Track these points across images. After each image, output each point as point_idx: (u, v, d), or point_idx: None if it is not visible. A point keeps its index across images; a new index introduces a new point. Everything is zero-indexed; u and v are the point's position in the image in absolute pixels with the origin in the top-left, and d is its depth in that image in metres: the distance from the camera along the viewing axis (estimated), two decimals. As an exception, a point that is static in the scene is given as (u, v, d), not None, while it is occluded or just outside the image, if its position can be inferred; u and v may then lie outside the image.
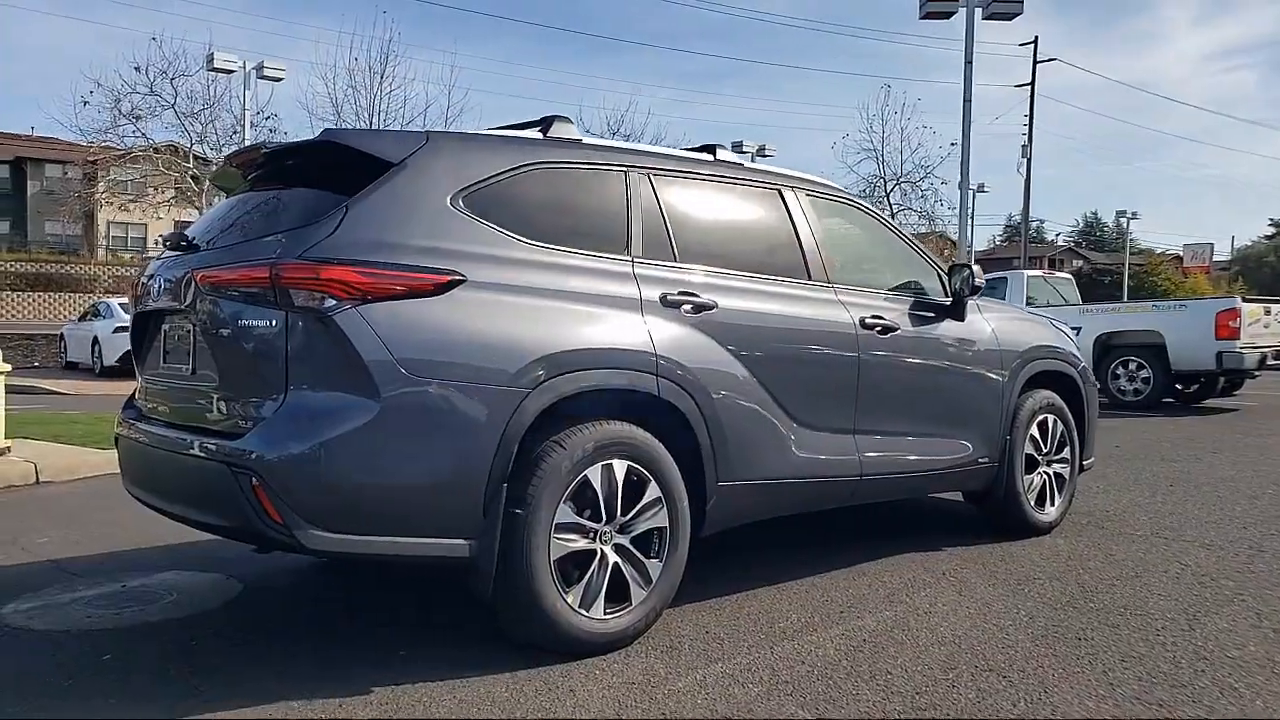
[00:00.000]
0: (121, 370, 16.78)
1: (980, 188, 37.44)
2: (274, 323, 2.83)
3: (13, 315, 38.51)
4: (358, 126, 28.37)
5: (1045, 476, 5.04)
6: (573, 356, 3.14)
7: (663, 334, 3.39)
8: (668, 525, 3.37)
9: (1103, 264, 55.05)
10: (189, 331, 3.21)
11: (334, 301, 2.79)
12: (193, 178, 27.33)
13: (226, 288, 2.95)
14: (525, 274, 3.15)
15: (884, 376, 4.19)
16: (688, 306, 3.52)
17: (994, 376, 4.72)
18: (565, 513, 3.12)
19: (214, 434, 2.99)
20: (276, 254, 2.85)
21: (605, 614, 3.19)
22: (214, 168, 28.09)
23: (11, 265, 40.52)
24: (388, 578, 4.18)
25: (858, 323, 4.10)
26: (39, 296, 40.11)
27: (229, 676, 3.05)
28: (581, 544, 3.17)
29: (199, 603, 3.85)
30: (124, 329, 17.02)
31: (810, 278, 4.07)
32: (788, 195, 4.16)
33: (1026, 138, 34.72)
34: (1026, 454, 4.90)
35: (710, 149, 4.07)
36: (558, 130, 3.54)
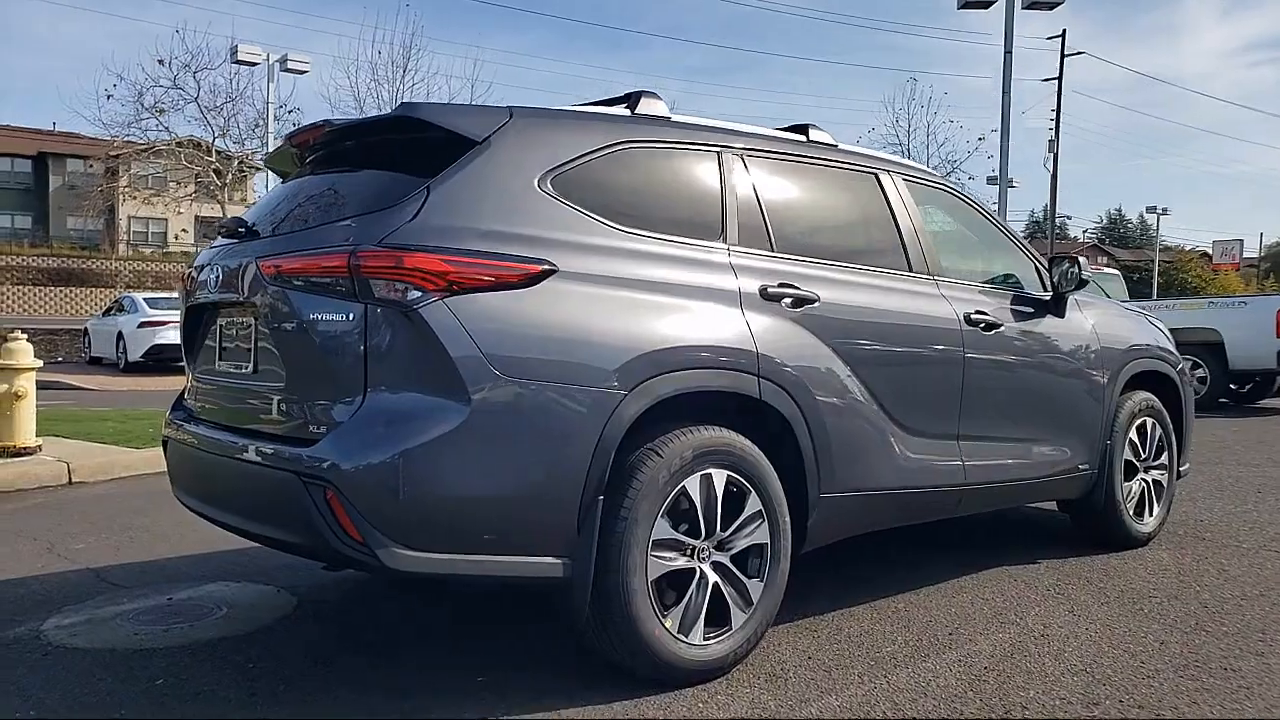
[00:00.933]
0: (146, 366, 16.63)
1: (1011, 183, 36.88)
2: (350, 316, 2.54)
3: (35, 310, 38.59)
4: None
5: (1144, 484, 4.70)
6: (671, 355, 2.84)
7: (764, 330, 3.09)
8: (768, 541, 3.07)
9: (1128, 260, 54.36)
10: (250, 326, 2.92)
11: (418, 293, 2.50)
12: (215, 172, 27.20)
13: (295, 278, 2.66)
14: (617, 263, 2.85)
15: (988, 377, 3.86)
16: (788, 300, 3.21)
17: (1095, 377, 4.38)
18: (663, 528, 2.82)
19: (280, 440, 2.70)
20: (354, 240, 2.55)
21: (705, 639, 2.90)
22: (236, 162, 28.12)
23: (33, 260, 40.61)
24: (454, 594, 3.89)
25: (962, 319, 3.78)
26: (61, 291, 40.19)
27: (293, 706, 2.77)
28: (680, 562, 2.87)
29: (252, 619, 3.57)
30: (149, 324, 16.91)
31: (911, 269, 3.75)
32: (884, 179, 3.84)
33: (1053, 132, 34.21)
34: (1125, 460, 4.57)
35: (803, 129, 3.75)
36: (646, 106, 3.23)
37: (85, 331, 19.78)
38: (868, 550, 4.44)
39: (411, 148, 2.86)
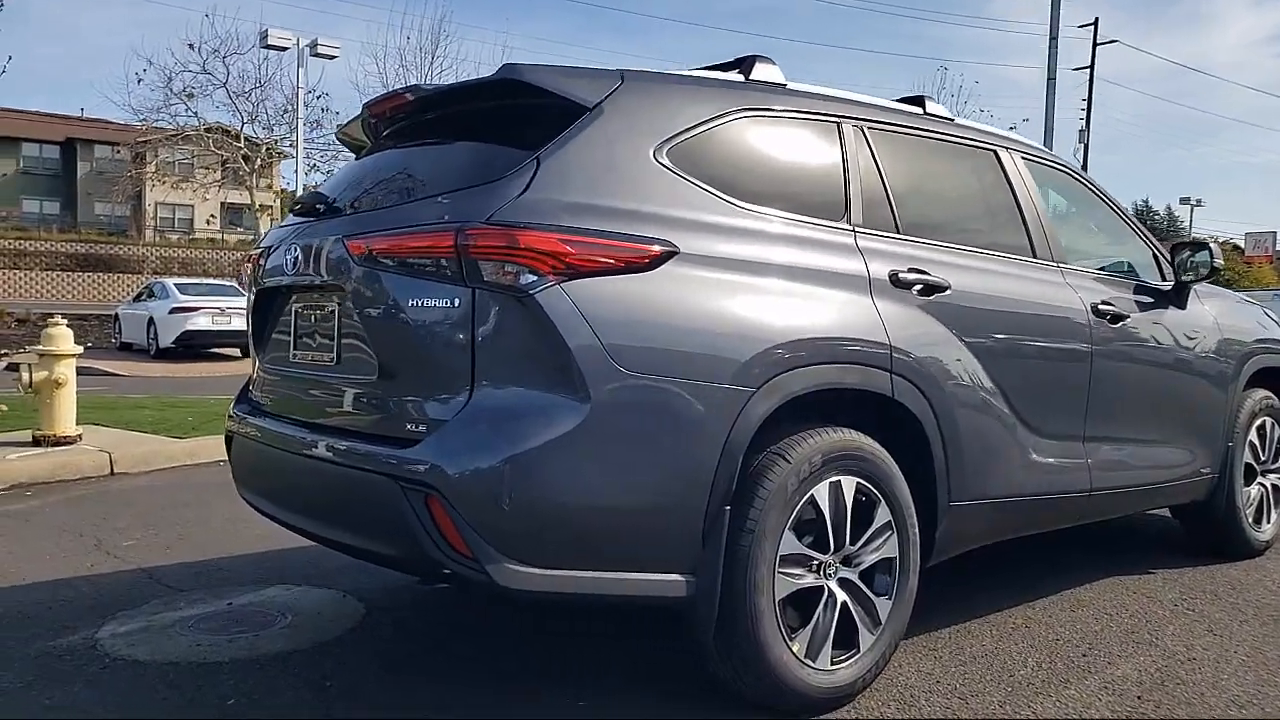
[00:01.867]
0: (177, 352, 16.50)
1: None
2: (456, 302, 2.26)
3: (63, 296, 38.71)
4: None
5: (1262, 489, 4.37)
6: (802, 348, 2.54)
7: (895, 320, 2.78)
8: (898, 555, 2.77)
9: (1161, 252, 53.29)
10: (332, 312, 2.65)
11: (534, 277, 2.21)
12: (244, 158, 27.09)
13: (389, 258, 2.37)
14: (739, 244, 2.55)
15: (1114, 373, 3.54)
16: (919, 287, 2.90)
17: (1218, 374, 4.05)
18: (790, 542, 2.53)
19: (371, 439, 2.42)
20: (457, 217, 2.27)
21: (833, 663, 2.61)
22: (264, 149, 28.00)
23: (62, 245, 40.74)
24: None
25: (1089, 309, 3.45)
26: (88, 277, 40.29)
27: (382, 734, 2.51)
28: (808, 580, 2.58)
29: (320, 629, 3.31)
30: (180, 310, 16.76)
31: (1035, 255, 3.43)
32: (1004, 157, 3.51)
33: (1084, 122, 33.51)
34: (1245, 463, 4.23)
35: (919, 100, 3.43)
36: (760, 72, 2.92)
37: (116, 317, 19.67)
38: (965, 555, 4.13)
39: (514, 115, 2.57)
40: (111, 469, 6.16)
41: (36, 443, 6.41)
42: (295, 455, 2.68)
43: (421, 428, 2.30)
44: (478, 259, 2.21)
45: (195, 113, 26.74)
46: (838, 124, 2.98)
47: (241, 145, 27.24)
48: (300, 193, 24.60)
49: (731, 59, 3.02)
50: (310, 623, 3.37)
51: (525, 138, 2.45)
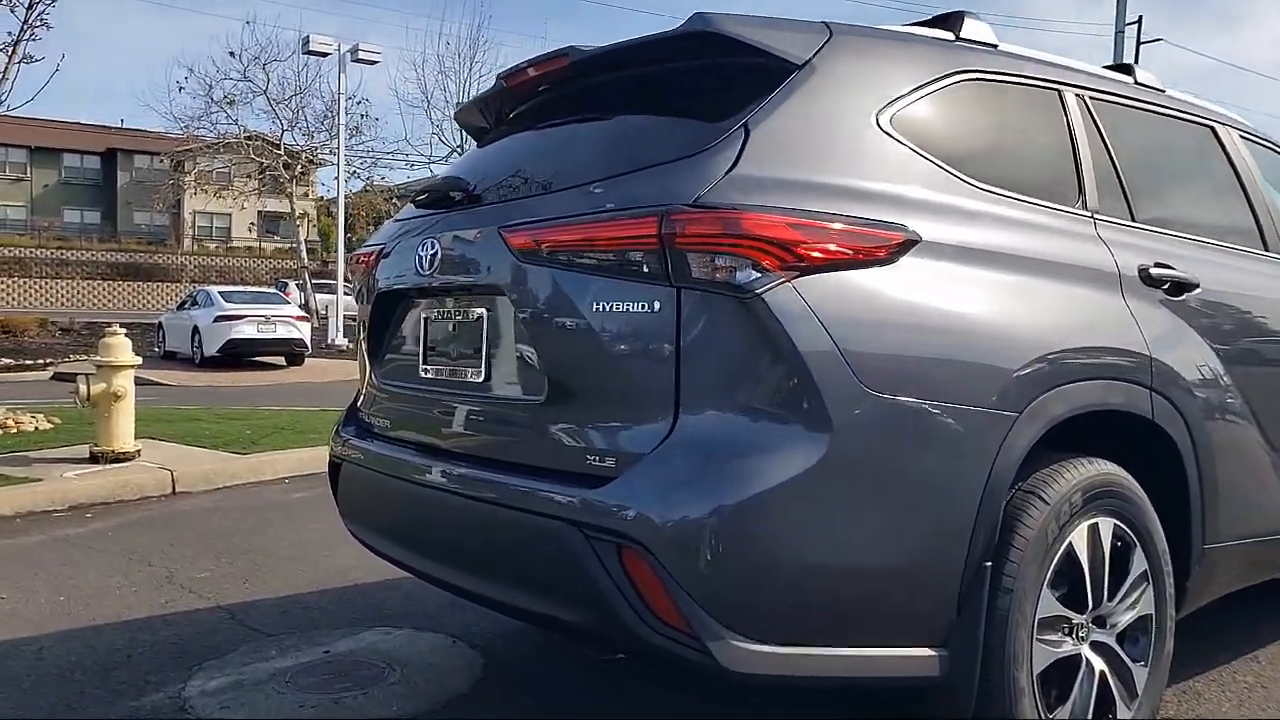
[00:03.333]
0: (221, 361, 16.24)
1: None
2: (656, 306, 1.80)
3: (103, 305, 38.96)
4: (449, 113, 27.73)
5: None
6: (1066, 361, 2.06)
7: (1151, 325, 2.30)
8: (1153, 612, 2.28)
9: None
10: (480, 319, 2.20)
11: (757, 273, 1.75)
12: (284, 165, 26.99)
13: (568, 253, 1.92)
14: (980, 231, 2.08)
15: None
16: (1167, 285, 2.41)
17: None
18: (1047, 601, 2.05)
19: (539, 473, 1.96)
20: (659, 199, 1.81)
21: (1090, 746, 2.12)
22: (303, 156, 27.89)
23: (102, 255, 41.04)
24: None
25: None
26: (128, 285, 40.55)
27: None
28: (1066, 647, 2.09)
29: (440, 686, 2.87)
30: (225, 318, 16.51)
31: (1267, 247, 2.93)
32: (1222, 134, 3.01)
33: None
34: None
35: (1127, 68, 2.94)
36: (970, 30, 2.44)
37: (159, 326, 19.48)
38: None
39: (705, 75, 2.11)
40: (173, 488, 5.78)
41: (94, 459, 6.05)
42: (431, 490, 2.23)
43: (609, 461, 1.84)
44: (686, 251, 1.75)
45: (235, 120, 26.69)
46: (1059, 92, 2.50)
47: (282, 152, 27.13)
48: (340, 199, 24.46)
49: (933, 15, 2.55)
50: (424, 677, 2.93)
51: (722, 102, 2.00)
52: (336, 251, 26.42)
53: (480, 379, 2.20)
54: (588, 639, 2.12)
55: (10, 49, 7.10)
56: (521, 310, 2.02)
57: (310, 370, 16.25)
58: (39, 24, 7.28)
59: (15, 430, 7.20)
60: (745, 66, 2.03)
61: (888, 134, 2.04)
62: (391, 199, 31.63)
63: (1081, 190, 2.40)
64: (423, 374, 2.41)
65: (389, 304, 2.56)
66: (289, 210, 29.64)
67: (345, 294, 23.91)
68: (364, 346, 2.71)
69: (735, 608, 1.70)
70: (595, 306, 1.87)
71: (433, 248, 2.27)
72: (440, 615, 3.48)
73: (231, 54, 25.81)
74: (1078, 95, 2.53)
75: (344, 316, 23.22)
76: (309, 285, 26.76)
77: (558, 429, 1.96)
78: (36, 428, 7.41)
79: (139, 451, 6.23)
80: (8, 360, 16.41)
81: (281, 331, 16.59)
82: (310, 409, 9.66)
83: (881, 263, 1.87)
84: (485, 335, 2.18)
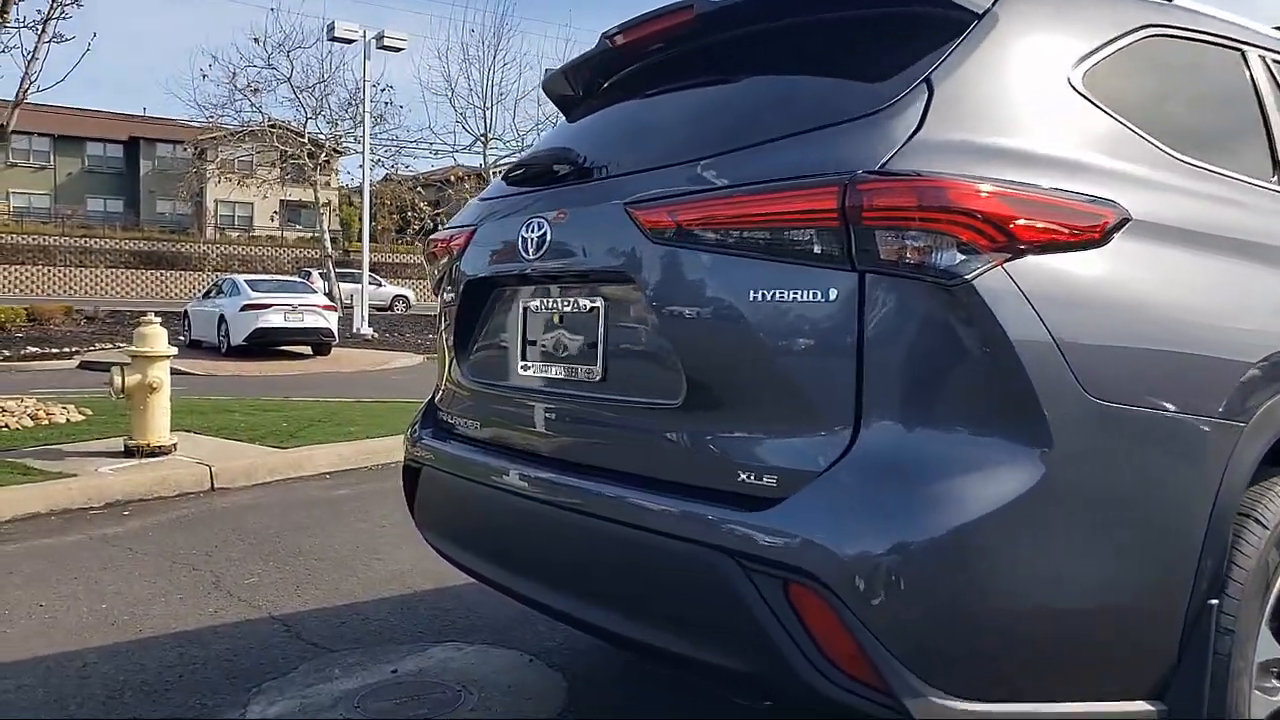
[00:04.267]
0: (247, 349, 16.07)
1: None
2: (831, 294, 1.51)
3: (126, 293, 39.02)
4: (473, 102, 27.52)
5: None
6: None
7: None
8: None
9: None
10: (595, 310, 1.92)
11: (963, 255, 1.46)
12: (309, 154, 26.82)
13: (719, 232, 1.64)
14: (1186, 209, 1.79)
15: None
16: None
17: None
18: (1267, 643, 1.75)
19: (675, 490, 1.68)
20: (835, 166, 1.52)
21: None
22: (328, 145, 27.70)
23: (125, 243, 41.14)
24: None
25: None
26: (151, 274, 40.61)
27: None
28: (1282, 694, 1.79)
29: (520, 709, 2.60)
30: (251, 307, 16.33)
31: None
32: None
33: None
34: None
35: (1291, 30, 2.61)
36: None
37: (185, 314, 19.32)
38: None
39: (867, 25, 1.82)
40: (212, 484, 5.55)
41: (129, 453, 5.83)
42: (534, 502, 1.96)
43: (768, 479, 1.55)
44: (875, 227, 1.46)
45: (259, 108, 26.52)
46: (1242, 53, 2.19)
47: (306, 141, 26.95)
48: (365, 187, 24.26)
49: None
50: (502, 703, 2.66)
51: (892, 56, 1.70)
52: (361, 240, 26.27)
53: (596, 378, 1.92)
54: (736, 685, 1.84)
55: (41, 26, 6.87)
56: (653, 299, 1.74)
57: (337, 360, 16.04)
58: (70, 1, 7.05)
59: (47, 422, 7.00)
60: (916, 16, 1.74)
61: (1082, 95, 1.74)
62: (416, 188, 31.46)
63: (1276, 165, 2.10)
64: (520, 371, 2.14)
65: (479, 293, 2.28)
66: (312, 199, 29.49)
67: (371, 284, 23.81)
68: (447, 339, 2.43)
69: (938, 659, 1.42)
70: (751, 295, 1.58)
71: (539, 229, 1.99)
72: (509, 628, 3.22)
73: (256, 40, 25.67)
74: (1260, 57, 2.22)
75: (369, 306, 23.09)
76: (333, 274, 26.61)
77: (698, 439, 1.68)
78: (68, 419, 7.20)
79: (175, 445, 6.00)
80: (34, 348, 16.30)
81: (309, 321, 16.38)
82: (343, 400, 9.44)
83: (1094, 245, 1.57)
84: (603, 329, 1.90)
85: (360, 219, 24.56)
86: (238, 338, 16.19)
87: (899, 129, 1.54)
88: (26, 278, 37.49)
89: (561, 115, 2.55)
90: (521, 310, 2.13)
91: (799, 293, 1.53)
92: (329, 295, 22.29)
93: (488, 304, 2.27)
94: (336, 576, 3.88)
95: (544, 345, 2.07)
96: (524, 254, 2.03)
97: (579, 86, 2.43)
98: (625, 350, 1.87)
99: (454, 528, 2.34)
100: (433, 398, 2.60)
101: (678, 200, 1.70)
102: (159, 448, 5.86)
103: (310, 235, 45.85)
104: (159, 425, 5.91)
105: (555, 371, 2.03)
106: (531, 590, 2.06)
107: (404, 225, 36.48)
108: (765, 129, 1.71)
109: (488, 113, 27.82)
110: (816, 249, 1.51)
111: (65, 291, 36.74)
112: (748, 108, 1.84)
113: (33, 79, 6.93)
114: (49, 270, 38.26)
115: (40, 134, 45.82)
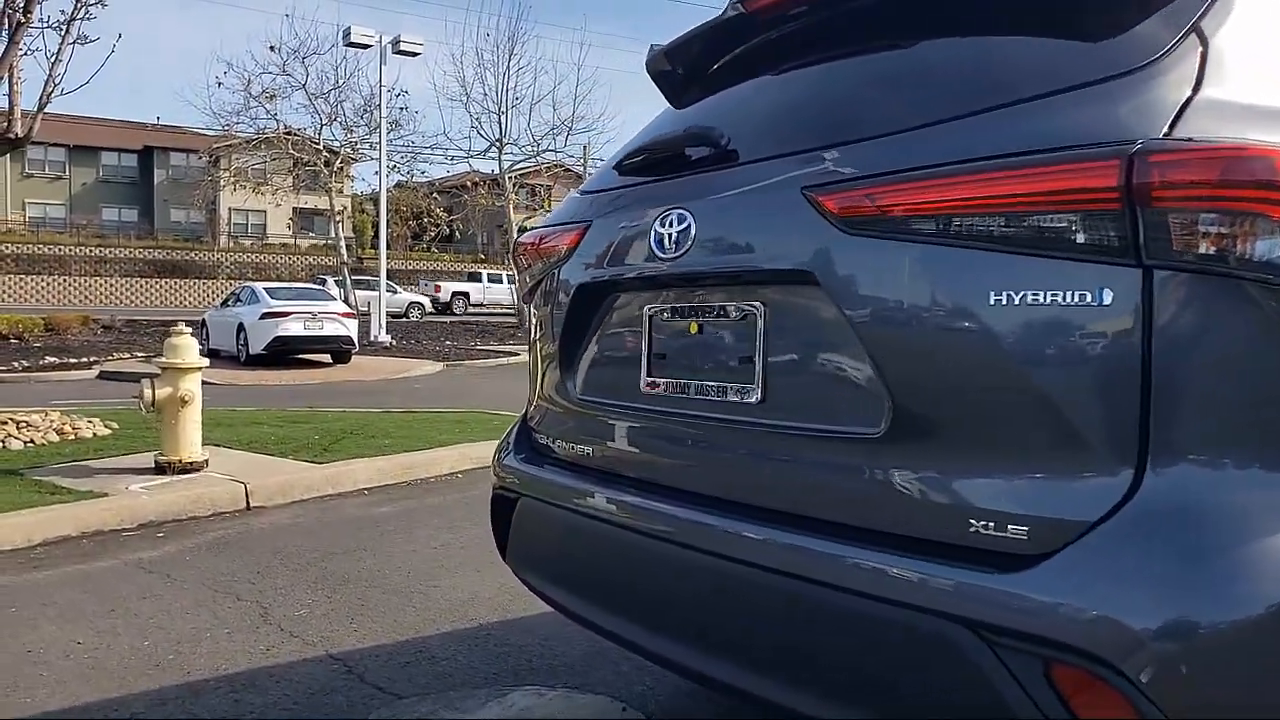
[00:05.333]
0: (267, 359, 15.83)
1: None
2: (1103, 295, 1.20)
3: (141, 302, 38.97)
4: (488, 107, 27.32)
5: None
6: None
7: None
8: None
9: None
10: (751, 317, 1.62)
11: None
12: (325, 162, 26.65)
13: (937, 220, 1.33)
14: None
15: None
16: None
17: None
18: None
19: (879, 541, 1.38)
20: (1108, 135, 1.22)
21: None
22: (343, 152, 27.53)
23: (140, 252, 41.11)
24: None
25: None
26: (165, 283, 40.57)
27: None
28: None
29: (630, 775, 2.30)
30: (271, 315, 16.09)
31: None
32: None
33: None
34: None
35: None
36: None
37: (203, 323, 19.10)
38: None
39: None
40: (247, 502, 5.27)
41: (159, 469, 5.56)
42: (676, 547, 1.66)
43: (1018, 531, 1.25)
44: (1170, 209, 1.16)
45: (274, 115, 26.35)
46: None
47: (321, 148, 26.77)
48: (383, 193, 24.05)
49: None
50: (605, 761, 2.36)
51: (1128, 5, 1.39)
52: (375, 247, 26.04)
53: (753, 399, 1.62)
54: None
55: (65, 27, 6.63)
56: (844, 304, 1.44)
57: (358, 368, 15.78)
58: (95, 1, 6.81)
59: (73, 437, 6.75)
60: None
61: None
62: (432, 194, 31.25)
63: None
64: (646, 390, 1.84)
65: (592, 298, 1.98)
66: (326, 206, 29.32)
67: (389, 291, 23.54)
68: (545, 352, 2.14)
69: None
70: (991, 298, 1.28)
71: (679, 223, 1.69)
72: (589, 667, 2.94)
73: (272, 48, 25.48)
74: None
75: (386, 314, 22.86)
76: (348, 281, 26.40)
77: (909, 477, 1.38)
78: (94, 434, 6.95)
79: (207, 461, 5.73)
80: (53, 358, 16.12)
81: (329, 329, 16.14)
82: (371, 410, 9.17)
83: None
84: (762, 340, 1.60)
85: (374, 226, 24.33)
86: (257, 346, 15.96)
87: (1175, 88, 1.24)
88: (42, 287, 37.47)
89: (666, 99, 2.25)
90: (648, 318, 1.84)
91: (1060, 294, 1.23)
92: (345, 302, 22.08)
93: (602, 311, 1.97)
94: (393, 607, 3.58)
95: (679, 359, 1.78)
96: (657, 252, 1.73)
97: (694, 63, 2.12)
98: (795, 366, 1.57)
99: (566, 571, 2.04)
100: (525, 417, 2.30)
101: (880, 181, 1.39)
102: (191, 464, 5.60)
103: (323, 243, 45.74)
104: (191, 440, 5.64)
105: (694, 390, 1.73)
106: (668, 650, 1.76)
107: (420, 231, 36.27)
108: (993, 91, 1.39)
109: (503, 117, 27.62)
110: (1084, 238, 1.21)
111: (81, 301, 36.70)
112: (962, 67, 1.52)
113: (56, 81, 6.68)
114: (64, 280, 38.24)
115: (55, 144, 45.90)
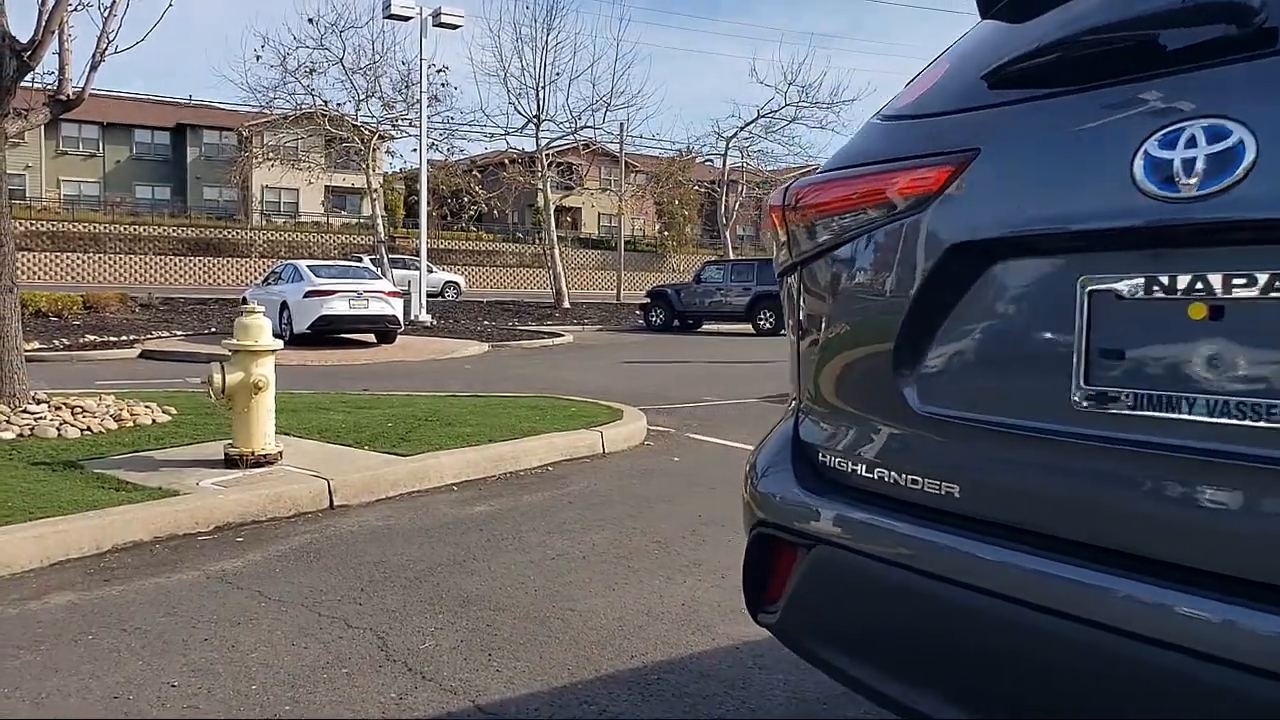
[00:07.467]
0: (311, 338, 15.37)
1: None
2: None
3: (175, 280, 38.76)
4: (526, 83, 26.65)
5: None
6: None
7: None
8: None
9: None
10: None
11: None
12: (361, 139, 26.14)
13: None
14: None
15: None
16: None
17: None
18: None
19: None
20: None
21: None
22: (379, 129, 26.99)
23: (173, 230, 40.91)
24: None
25: None
26: (199, 261, 40.36)
27: None
28: None
29: None
30: (315, 293, 15.61)
31: None
32: None
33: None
34: None
35: None
36: None
37: (244, 301, 18.73)
38: None
39: None
40: (331, 501, 4.73)
41: (230, 462, 5.03)
42: (1135, 642, 1.07)
43: None
44: None
45: (312, 90, 25.84)
46: None
47: (356, 125, 26.26)
48: (423, 169, 23.49)
49: None
50: None
51: None
52: (416, 226, 25.51)
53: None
54: None
55: (121, -22, 6.08)
56: None
57: (404, 348, 15.29)
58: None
59: (131, 424, 6.25)
60: None
61: None
62: (471, 170, 30.65)
63: None
64: (1079, 403, 1.23)
65: (970, 264, 1.36)
66: (363, 184, 28.82)
67: (430, 270, 22.98)
68: (853, 342, 1.53)
69: None
70: None
71: (1215, 141, 1.08)
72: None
73: (310, 20, 24.98)
74: None
75: (425, 293, 22.37)
76: (385, 260, 25.92)
77: None
78: (153, 420, 6.46)
79: (280, 453, 5.20)
80: (93, 336, 15.75)
81: (374, 308, 15.63)
82: (435, 394, 8.64)
83: None
84: None
85: (406, 204, 23.75)
86: (301, 326, 15.48)
87: None
88: (77, 265, 37.36)
89: None
90: (1089, 295, 1.23)
91: None
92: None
93: (984, 284, 1.36)
94: (533, 637, 3.02)
95: (1156, 359, 1.17)
96: (1153, 189, 1.12)
97: None
98: None
99: (901, 656, 1.44)
100: (796, 427, 1.70)
101: None
102: (264, 456, 5.07)
103: (356, 221, 45.32)
104: (264, 430, 5.11)
105: (1192, 408, 1.13)
106: None
107: (459, 209, 35.68)
108: None
109: (541, 93, 26.98)
110: None
111: (115, 279, 36.54)
112: None
113: (110, 37, 6.14)
114: (99, 258, 38.10)
115: (89, 122, 45.71)
